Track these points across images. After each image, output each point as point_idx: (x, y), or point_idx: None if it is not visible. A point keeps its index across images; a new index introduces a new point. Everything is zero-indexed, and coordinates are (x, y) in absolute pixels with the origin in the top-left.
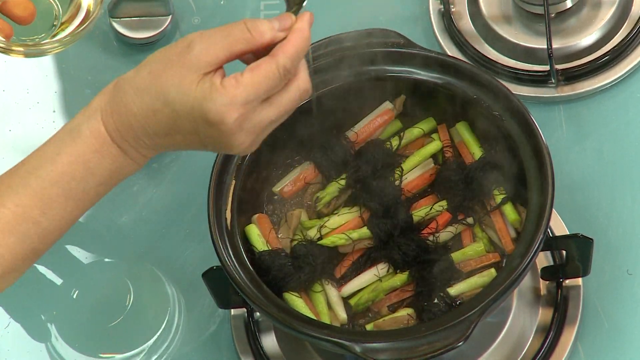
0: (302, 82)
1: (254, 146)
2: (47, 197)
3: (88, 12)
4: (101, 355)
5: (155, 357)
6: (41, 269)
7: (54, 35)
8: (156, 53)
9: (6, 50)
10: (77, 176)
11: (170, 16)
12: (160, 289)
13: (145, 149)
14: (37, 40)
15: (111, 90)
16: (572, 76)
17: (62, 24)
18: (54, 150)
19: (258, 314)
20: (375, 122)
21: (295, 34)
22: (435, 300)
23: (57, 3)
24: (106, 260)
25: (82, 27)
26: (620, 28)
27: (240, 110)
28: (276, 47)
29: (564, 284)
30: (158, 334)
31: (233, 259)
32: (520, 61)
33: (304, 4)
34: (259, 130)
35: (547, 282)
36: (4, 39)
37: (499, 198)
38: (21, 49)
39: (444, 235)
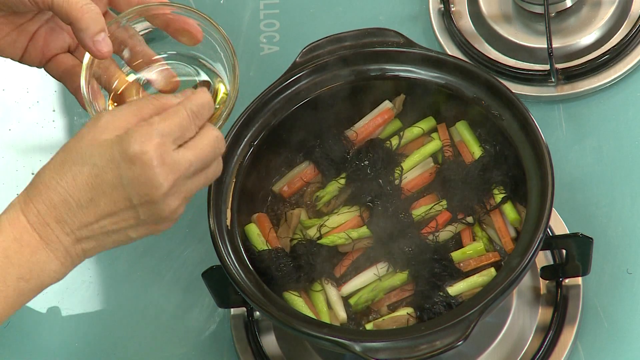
0: (214, 132)
1: (179, 197)
2: None
3: (225, 97)
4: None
5: (156, 356)
6: None
7: None
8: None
9: None
10: None
11: None
12: (160, 288)
13: (68, 238)
14: None
15: (27, 186)
16: (572, 75)
17: None
18: None
19: (258, 313)
20: (375, 122)
21: (198, 92)
22: (435, 300)
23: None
24: (106, 258)
25: (221, 113)
26: (620, 27)
27: (158, 139)
28: (183, 93)
29: (563, 283)
30: (158, 333)
31: (233, 258)
32: (520, 60)
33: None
34: (180, 172)
35: (547, 281)
36: None
37: (498, 197)
38: None
39: (444, 235)
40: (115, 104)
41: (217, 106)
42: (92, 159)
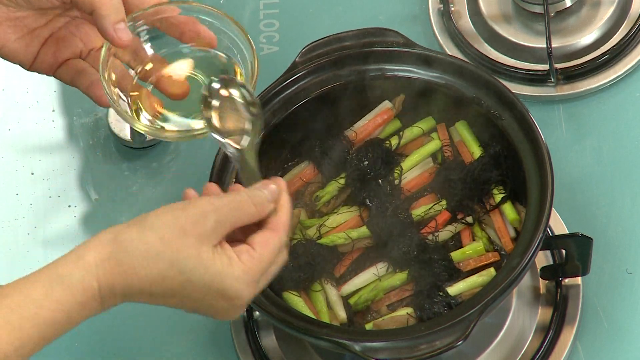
0: (285, 253)
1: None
2: (25, 337)
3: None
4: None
5: (156, 356)
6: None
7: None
8: (164, 216)
9: (158, 135)
10: (57, 323)
11: None
12: None
13: (125, 301)
14: (189, 118)
15: (110, 248)
16: (572, 75)
17: None
18: (41, 293)
19: (257, 313)
20: (375, 121)
21: (284, 211)
22: (435, 300)
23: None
24: None
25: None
26: (620, 27)
27: (255, 284)
28: (275, 222)
29: (563, 283)
30: (158, 333)
31: None
32: (520, 60)
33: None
34: (253, 296)
35: (547, 281)
36: (160, 123)
37: (498, 197)
38: (174, 135)
39: (444, 235)
40: (135, 108)
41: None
42: (190, 275)
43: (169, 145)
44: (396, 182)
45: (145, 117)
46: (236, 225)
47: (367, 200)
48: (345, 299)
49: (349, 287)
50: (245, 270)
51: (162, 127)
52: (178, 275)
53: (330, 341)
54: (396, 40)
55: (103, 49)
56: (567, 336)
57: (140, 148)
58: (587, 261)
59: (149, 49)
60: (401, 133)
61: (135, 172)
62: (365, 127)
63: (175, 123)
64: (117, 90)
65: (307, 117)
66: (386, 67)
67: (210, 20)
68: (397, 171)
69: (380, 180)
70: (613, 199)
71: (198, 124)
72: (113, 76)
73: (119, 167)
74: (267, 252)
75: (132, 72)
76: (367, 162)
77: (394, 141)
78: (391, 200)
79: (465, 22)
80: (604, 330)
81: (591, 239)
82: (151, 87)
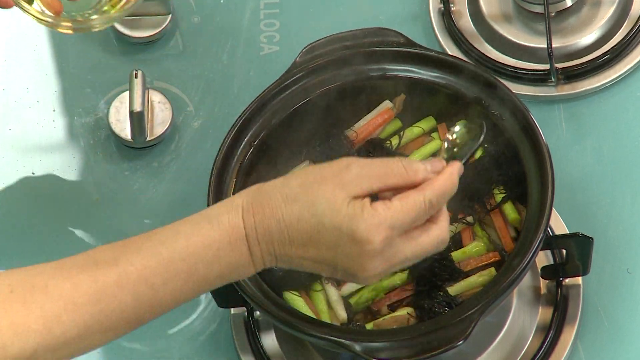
0: (442, 231)
1: (379, 277)
2: (173, 269)
3: None
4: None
5: (156, 356)
6: None
7: (103, 11)
8: (309, 168)
9: (54, 25)
10: (206, 260)
11: (170, 15)
12: None
13: (270, 257)
14: (86, 15)
15: (254, 192)
16: (572, 75)
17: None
18: (189, 230)
19: (258, 313)
20: (375, 121)
21: (444, 176)
22: (435, 300)
23: None
24: None
25: (129, 3)
26: (620, 27)
27: (388, 232)
28: (424, 183)
29: (563, 283)
30: (158, 333)
31: None
32: (520, 60)
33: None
34: (393, 262)
35: (547, 281)
36: (52, 15)
37: (499, 197)
38: (69, 24)
39: None
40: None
41: None
42: (323, 217)
43: (169, 145)
44: None
45: (39, 5)
46: (384, 184)
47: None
48: (345, 298)
49: (350, 287)
50: (377, 215)
51: (58, 17)
52: (311, 217)
53: (331, 341)
54: (396, 40)
55: None
56: (568, 336)
57: (141, 148)
58: (588, 261)
59: None
60: (402, 133)
61: (136, 172)
62: (365, 127)
63: (70, 17)
64: None
65: (307, 117)
66: (386, 67)
67: None
68: None
69: None
70: (613, 199)
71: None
72: None
73: (120, 167)
74: (404, 204)
75: None
76: None
77: (395, 141)
78: None
79: (466, 22)
80: (605, 330)
81: (592, 238)
82: None
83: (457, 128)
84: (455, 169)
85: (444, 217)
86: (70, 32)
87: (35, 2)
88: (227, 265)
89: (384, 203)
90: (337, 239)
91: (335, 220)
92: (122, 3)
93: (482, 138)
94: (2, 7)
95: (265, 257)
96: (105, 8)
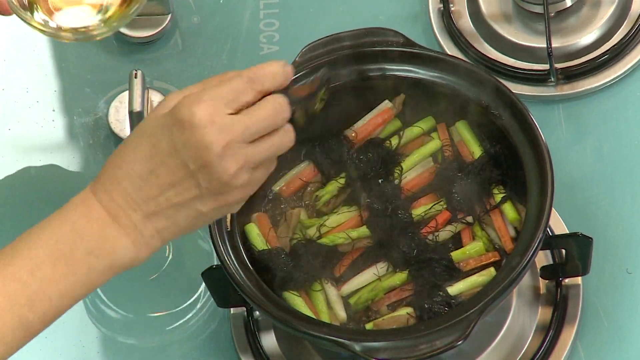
0: (277, 97)
1: (236, 158)
2: (34, 257)
3: None
4: None
5: (156, 356)
6: None
7: (104, 21)
8: None
9: (55, 36)
10: (64, 239)
11: (169, 15)
12: (159, 287)
13: (136, 214)
14: (87, 26)
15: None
16: (572, 75)
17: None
18: (44, 222)
19: (257, 313)
20: (375, 121)
21: (266, 63)
22: (435, 300)
23: None
24: None
25: (130, 9)
26: (620, 27)
27: (207, 101)
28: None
29: (563, 282)
30: (158, 333)
31: (232, 258)
32: (520, 60)
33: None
34: (234, 134)
35: (547, 281)
36: (55, 25)
37: (498, 197)
38: (70, 34)
39: (444, 234)
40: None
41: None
42: (150, 129)
43: None
44: (396, 181)
45: (40, 16)
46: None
47: (367, 200)
48: (345, 298)
49: (349, 286)
50: (190, 94)
51: (59, 27)
52: (141, 139)
53: (330, 341)
54: (396, 40)
55: None
56: (568, 336)
57: None
58: (587, 261)
59: None
60: (401, 133)
61: None
62: (365, 126)
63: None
64: None
65: (306, 117)
66: (386, 66)
67: None
68: (397, 171)
69: (380, 180)
70: (613, 199)
71: (93, 24)
72: None
73: None
74: (218, 79)
75: None
76: (367, 162)
77: (394, 141)
78: (391, 200)
79: (466, 22)
80: (604, 330)
81: (591, 238)
82: None
83: None
84: (275, 61)
85: (275, 95)
86: (71, 41)
87: (36, 12)
88: (91, 238)
89: (200, 88)
90: (170, 136)
91: (160, 122)
92: (122, 10)
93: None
94: (1, 14)
95: (132, 217)
96: (107, 16)
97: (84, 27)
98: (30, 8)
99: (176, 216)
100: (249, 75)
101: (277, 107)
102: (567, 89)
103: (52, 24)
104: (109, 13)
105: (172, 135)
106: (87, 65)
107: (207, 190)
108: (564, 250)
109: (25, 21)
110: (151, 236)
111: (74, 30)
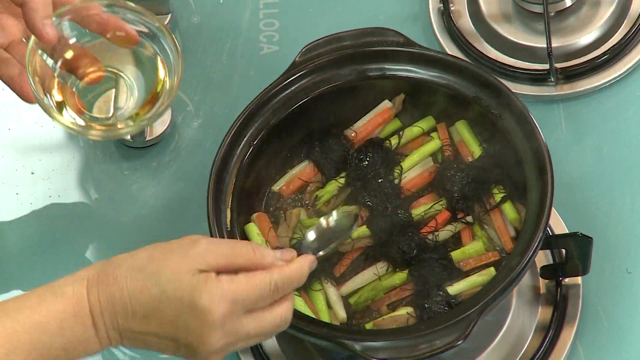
0: (286, 311)
1: (222, 354)
2: (16, 340)
3: (162, 91)
4: None
5: (156, 356)
6: (45, 267)
7: (133, 118)
8: (157, 243)
9: (84, 134)
10: (49, 331)
11: (169, 15)
12: None
13: (114, 333)
14: (111, 120)
15: (102, 264)
16: (572, 75)
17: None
18: (34, 301)
19: None
20: (375, 121)
21: (295, 265)
22: (435, 299)
23: (133, 82)
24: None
25: (159, 108)
26: (620, 27)
27: (229, 306)
28: (274, 267)
29: (563, 282)
30: None
31: None
32: (520, 60)
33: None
34: (234, 338)
35: (547, 280)
36: (83, 124)
37: (498, 197)
38: (99, 132)
39: (444, 234)
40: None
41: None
42: (166, 286)
43: (169, 145)
44: (396, 181)
45: (69, 113)
46: (231, 262)
47: (367, 200)
48: (345, 298)
49: (349, 286)
50: (220, 286)
51: (88, 124)
52: (154, 287)
53: (331, 340)
54: (396, 40)
55: (30, 42)
56: (567, 336)
57: (140, 148)
58: (587, 260)
59: (71, 40)
60: (401, 132)
61: (135, 172)
62: (365, 126)
63: (97, 121)
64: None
65: (307, 117)
66: (386, 66)
67: (134, 17)
68: (397, 170)
69: (380, 180)
70: (613, 199)
71: (121, 123)
72: (38, 70)
73: (119, 166)
74: (250, 280)
75: (51, 62)
76: (367, 162)
77: (394, 141)
78: (391, 200)
79: (465, 22)
80: (604, 330)
81: (591, 238)
82: (75, 82)
83: (334, 215)
84: (307, 262)
85: (290, 299)
86: (99, 139)
87: (64, 111)
88: (72, 338)
89: (229, 276)
90: (179, 310)
91: (177, 290)
92: (148, 107)
93: (353, 229)
94: (25, 101)
95: (110, 333)
96: (135, 113)
97: (112, 126)
98: (59, 107)
99: (144, 347)
100: (277, 283)
101: (282, 325)
102: (567, 89)
103: (80, 122)
104: (136, 110)
105: (182, 311)
106: None
107: (183, 355)
108: (564, 250)
109: (55, 119)
110: (115, 345)
111: (103, 128)
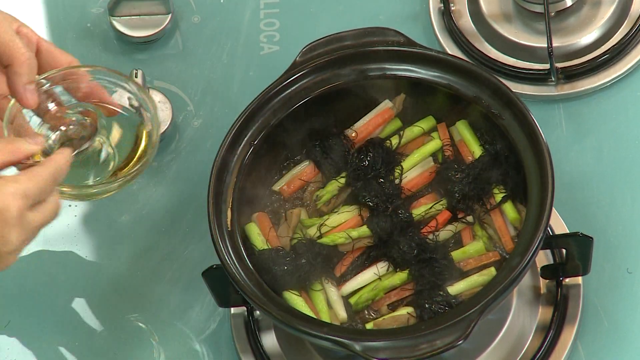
0: (57, 198)
1: (18, 252)
2: None
3: (142, 155)
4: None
5: (156, 355)
6: (44, 267)
7: (110, 181)
8: None
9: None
10: None
11: (170, 15)
12: (160, 288)
13: None
14: (89, 183)
15: None
16: (572, 74)
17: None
18: None
19: (258, 312)
20: (375, 121)
21: (59, 155)
22: (435, 299)
23: (114, 150)
24: (106, 257)
25: (133, 170)
26: (620, 27)
27: (23, 201)
28: (47, 160)
29: (563, 282)
30: (158, 333)
31: (233, 257)
32: (520, 60)
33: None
34: (28, 234)
35: (547, 280)
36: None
37: (498, 197)
38: (74, 192)
39: (444, 234)
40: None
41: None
42: None
43: (169, 145)
44: (397, 181)
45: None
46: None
47: (368, 200)
48: (345, 298)
49: (350, 286)
50: (8, 185)
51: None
52: None
53: (331, 340)
54: (396, 40)
55: (10, 104)
56: (568, 336)
57: None
58: (588, 260)
59: (53, 105)
60: (402, 132)
61: None
62: (365, 126)
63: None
64: None
65: (307, 117)
66: (386, 66)
67: (116, 81)
68: (398, 170)
69: (380, 180)
70: (613, 198)
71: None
72: (16, 126)
73: None
74: (31, 176)
75: (36, 119)
76: (367, 162)
77: (395, 140)
78: (391, 200)
79: (466, 22)
80: (605, 330)
81: (591, 238)
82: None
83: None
84: (67, 151)
85: (55, 193)
86: (72, 199)
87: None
88: None
89: (12, 176)
90: None
91: None
92: (130, 167)
93: (96, 135)
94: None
95: None
96: (110, 178)
97: (87, 186)
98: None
99: None
100: (53, 174)
101: (56, 212)
102: (568, 89)
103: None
104: (114, 169)
105: None
106: None
107: None
108: (564, 250)
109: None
110: None
111: (76, 188)
